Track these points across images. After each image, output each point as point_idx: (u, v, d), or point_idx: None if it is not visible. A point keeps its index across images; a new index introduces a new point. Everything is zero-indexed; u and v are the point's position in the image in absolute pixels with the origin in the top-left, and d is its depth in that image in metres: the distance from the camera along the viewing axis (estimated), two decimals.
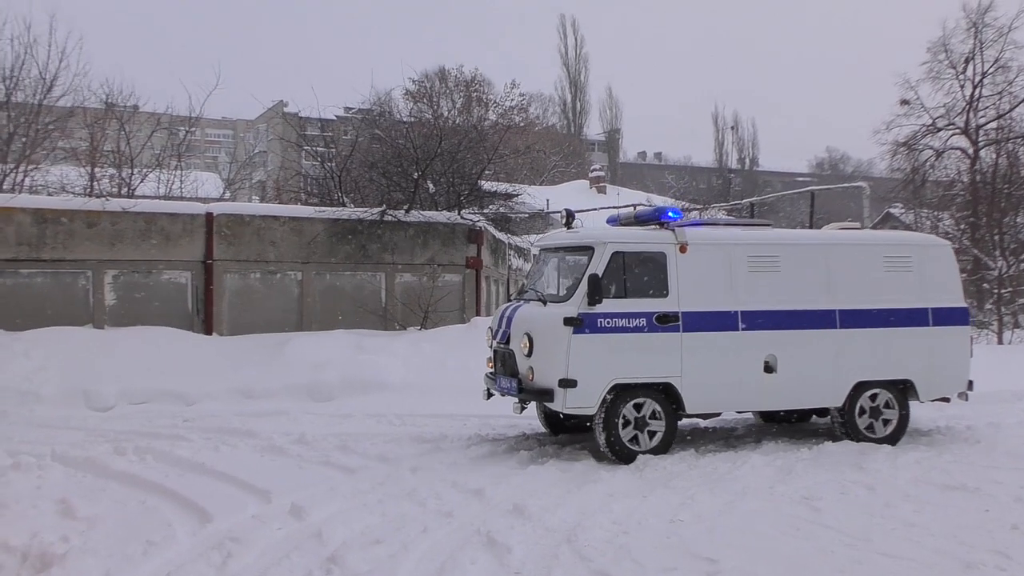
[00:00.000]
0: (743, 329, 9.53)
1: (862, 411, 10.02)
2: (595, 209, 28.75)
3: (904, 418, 10.12)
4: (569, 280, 9.59)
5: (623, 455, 9.02)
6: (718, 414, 10.27)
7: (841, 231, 10.86)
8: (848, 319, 9.91)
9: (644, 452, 9.10)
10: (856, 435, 9.94)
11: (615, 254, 9.27)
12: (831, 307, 9.88)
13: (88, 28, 46.08)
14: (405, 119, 25.65)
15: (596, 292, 8.98)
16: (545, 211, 27.41)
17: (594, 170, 47.37)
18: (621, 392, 9.13)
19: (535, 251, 11.59)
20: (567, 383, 8.91)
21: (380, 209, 16.27)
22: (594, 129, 74.40)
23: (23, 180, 19.86)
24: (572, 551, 6.17)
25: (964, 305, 10.51)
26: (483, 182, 19.60)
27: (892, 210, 39.31)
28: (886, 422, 10.07)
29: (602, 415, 9.09)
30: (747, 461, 8.98)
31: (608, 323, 9.06)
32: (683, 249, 9.43)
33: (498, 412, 11.14)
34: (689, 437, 10.32)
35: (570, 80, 70.85)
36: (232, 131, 65.13)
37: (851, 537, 6.50)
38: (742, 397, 9.67)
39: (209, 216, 15.14)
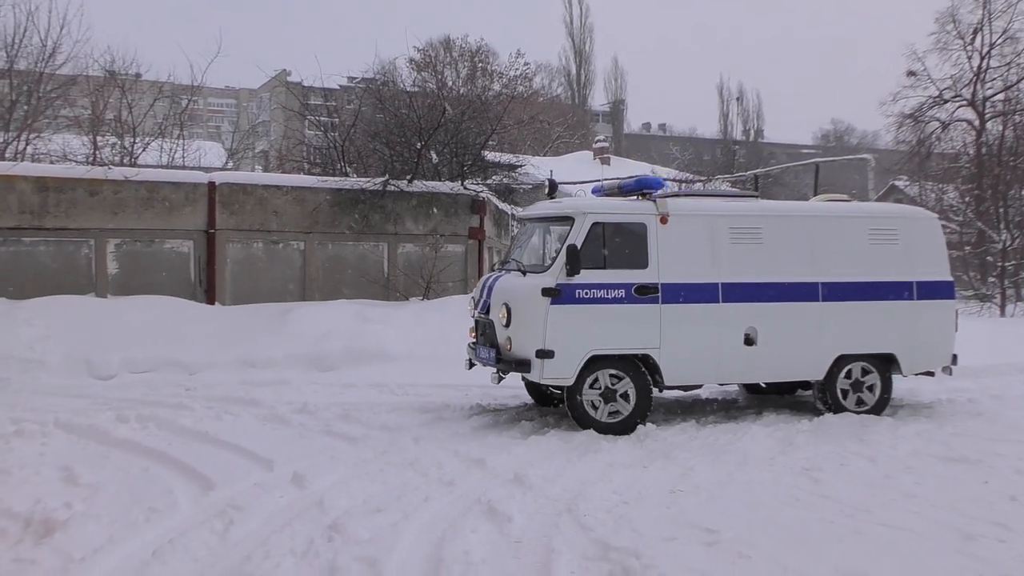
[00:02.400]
0: (724, 301, 9.50)
1: (844, 384, 9.98)
2: (598, 180, 28.65)
3: (886, 392, 10.09)
4: (550, 250, 9.59)
5: (590, 426, 9.02)
6: (699, 386, 10.24)
7: (827, 203, 10.74)
8: (831, 292, 9.85)
9: (614, 424, 9.06)
10: (837, 408, 9.92)
11: (595, 224, 9.25)
12: (814, 279, 9.82)
13: None
14: (409, 89, 25.50)
15: (574, 263, 8.97)
16: (548, 181, 27.28)
17: (598, 141, 47.04)
18: (597, 362, 9.11)
19: (518, 221, 11.54)
20: (544, 353, 8.92)
21: (383, 179, 16.22)
22: (599, 100, 73.96)
23: (25, 148, 19.78)
24: (572, 520, 6.20)
25: (950, 279, 10.45)
26: (487, 153, 19.50)
27: (897, 182, 39.15)
28: (867, 396, 10.03)
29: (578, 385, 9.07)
30: (747, 432, 9.00)
31: (586, 294, 9.06)
32: (664, 220, 9.41)
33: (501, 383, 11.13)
34: (674, 408, 10.32)
35: (575, 50, 70.26)
36: (235, 100, 64.90)
37: (851, 508, 6.52)
38: (722, 369, 9.65)
39: (212, 185, 15.09)
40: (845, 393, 9.99)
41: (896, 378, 10.28)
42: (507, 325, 9.31)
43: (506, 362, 9.28)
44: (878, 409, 10.01)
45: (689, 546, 5.73)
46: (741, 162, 46.15)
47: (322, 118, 23.08)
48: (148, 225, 14.65)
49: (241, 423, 9.16)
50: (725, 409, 10.32)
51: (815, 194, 21.45)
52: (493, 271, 10.52)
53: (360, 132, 19.78)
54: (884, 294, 10.02)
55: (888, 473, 7.50)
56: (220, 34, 40.12)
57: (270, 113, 44.91)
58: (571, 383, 9.08)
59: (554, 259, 9.23)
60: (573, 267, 8.97)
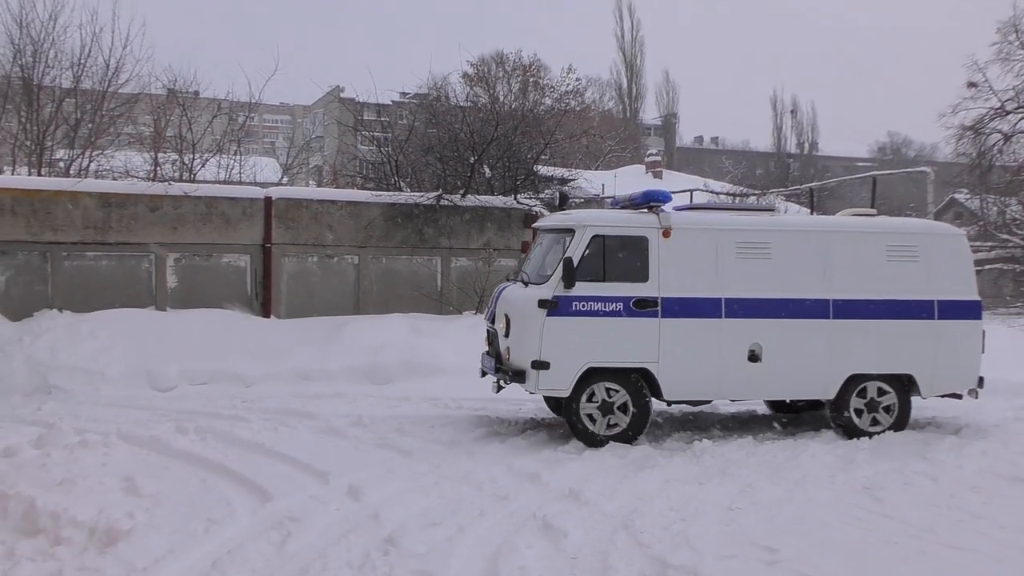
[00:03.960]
0: (727, 316, 9.33)
1: (857, 404, 9.68)
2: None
3: (904, 413, 9.76)
4: (552, 262, 9.57)
5: (587, 438, 9.06)
6: (707, 401, 10.09)
7: (843, 218, 10.51)
8: (843, 309, 9.56)
9: (610, 437, 9.07)
10: (849, 428, 9.62)
11: (595, 237, 9.26)
12: (825, 296, 9.54)
13: (150, 14, 46.84)
14: (462, 103, 25.65)
15: (569, 275, 9.00)
16: (601, 196, 27.27)
17: (650, 155, 46.92)
18: (595, 375, 9.12)
19: (533, 232, 11.52)
20: (540, 364, 8.97)
21: (436, 194, 16.31)
22: (650, 113, 73.72)
23: (89, 165, 20.29)
24: (629, 537, 6.15)
25: (975, 298, 9.92)
26: (539, 167, 19.52)
27: (957, 195, 38.42)
28: (883, 417, 9.71)
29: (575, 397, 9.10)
30: (806, 449, 8.86)
31: (583, 306, 9.07)
32: (666, 234, 9.32)
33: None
34: (731, 425, 10.18)
35: (626, 64, 70.18)
36: (290, 116, 65.84)
37: (915, 528, 6.38)
38: (725, 385, 9.47)
39: (268, 200, 15.30)
40: (860, 413, 9.68)
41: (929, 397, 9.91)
42: (507, 335, 9.42)
43: (504, 372, 9.34)
44: (894, 430, 9.67)
45: (748, 564, 5.65)
46: (795, 175, 45.70)
47: (376, 133, 23.29)
48: (206, 240, 14.89)
49: (297, 435, 9.23)
50: (783, 425, 10.14)
51: (872, 207, 21.15)
52: (507, 281, 10.54)
53: (413, 147, 19.93)
54: (901, 313, 9.67)
55: (953, 493, 7.32)
56: (277, 52, 40.90)
57: (324, 129, 45.49)
58: (567, 395, 9.11)
59: (554, 271, 9.26)
60: (568, 280, 9.01)
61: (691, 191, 30.57)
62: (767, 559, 5.74)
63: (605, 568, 5.59)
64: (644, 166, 44.34)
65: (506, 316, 9.47)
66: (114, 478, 7.23)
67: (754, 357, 9.39)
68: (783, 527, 6.38)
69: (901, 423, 9.75)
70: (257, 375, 12.59)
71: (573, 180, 21.81)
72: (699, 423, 10.39)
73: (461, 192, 16.60)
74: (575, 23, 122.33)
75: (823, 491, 7.40)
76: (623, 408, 9.18)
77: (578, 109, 39.80)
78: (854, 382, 9.65)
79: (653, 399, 9.37)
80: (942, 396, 10.07)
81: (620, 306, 9.13)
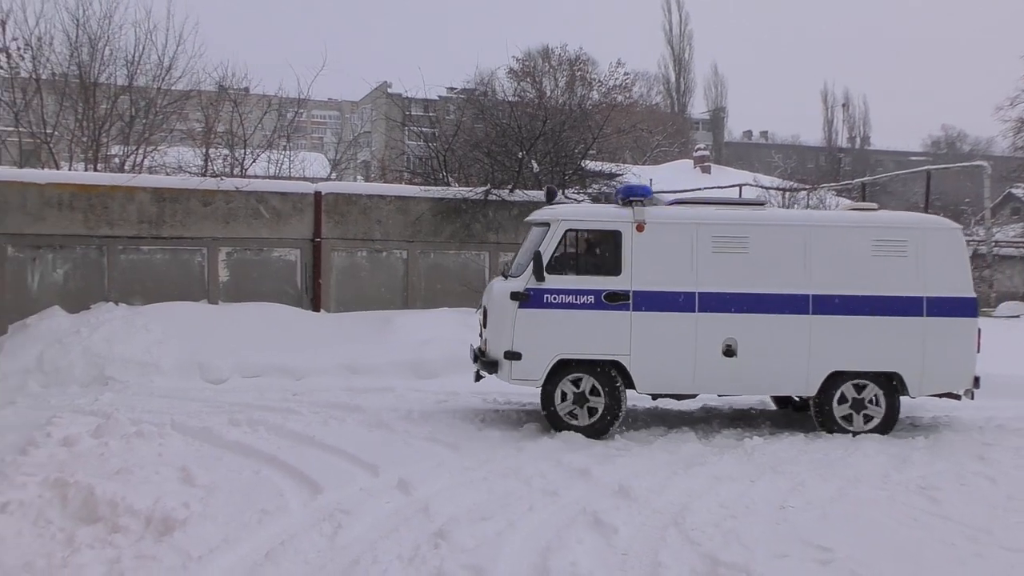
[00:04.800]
0: (700, 310, 9.34)
1: (841, 402, 9.50)
2: (698, 189, 28.24)
3: (891, 412, 9.53)
4: (530, 255, 9.65)
5: (561, 428, 9.29)
6: (691, 396, 9.98)
7: (825, 212, 10.31)
8: (823, 305, 9.39)
9: (584, 427, 9.29)
10: (831, 426, 9.47)
11: (568, 231, 9.53)
12: (804, 291, 9.39)
13: (203, 12, 47.47)
14: (509, 98, 25.65)
15: (539, 269, 9.26)
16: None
17: (698, 149, 46.59)
18: (570, 366, 9.34)
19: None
20: (512, 355, 9.30)
21: (484, 188, 16.33)
22: (698, 108, 73.15)
23: (143, 161, 20.63)
24: (679, 533, 6.11)
25: (971, 295, 9.57)
26: (587, 162, 19.44)
27: (1014, 190, 37.58)
28: (869, 416, 9.53)
29: (547, 387, 9.36)
30: (859, 448, 8.76)
31: (555, 299, 9.31)
32: (640, 228, 9.40)
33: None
34: (781, 422, 10.07)
35: (674, 58, 69.76)
36: (338, 112, 66.33)
37: (972, 529, 6.26)
38: (699, 379, 9.46)
39: (318, 195, 15.44)
40: (844, 412, 9.52)
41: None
42: (485, 326, 9.73)
43: (482, 362, 9.63)
44: (882, 429, 9.49)
45: (802, 564, 5.59)
46: (847, 170, 44.98)
47: (424, 128, 23.37)
48: (257, 234, 15.07)
49: (347, 428, 9.31)
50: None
51: (926, 203, 20.76)
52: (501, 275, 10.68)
53: (461, 142, 19.97)
54: (887, 309, 9.43)
55: (1011, 494, 7.17)
56: (325, 48, 41.22)
57: (371, 124, 45.78)
58: (539, 386, 9.39)
59: (527, 264, 9.49)
60: (538, 273, 9.27)
61: (740, 186, 30.25)
62: (821, 558, 5.67)
63: (655, 565, 5.57)
64: (692, 161, 44.03)
65: (484, 308, 9.82)
66: (169, 468, 7.35)
67: (730, 352, 9.36)
68: (836, 526, 6.30)
69: (888, 423, 9.53)
70: (307, 368, 12.71)
71: (621, 175, 21.70)
72: (749, 420, 10.30)
73: (509, 187, 16.61)
74: (622, 17, 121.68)
75: (877, 490, 7.29)
76: (596, 400, 9.37)
77: (626, 104, 39.59)
78: (837, 380, 9.49)
79: (633, 391, 9.57)
80: (939, 396, 9.80)
81: (591, 299, 9.32)
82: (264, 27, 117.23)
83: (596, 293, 9.32)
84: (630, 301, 9.32)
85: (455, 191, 16.38)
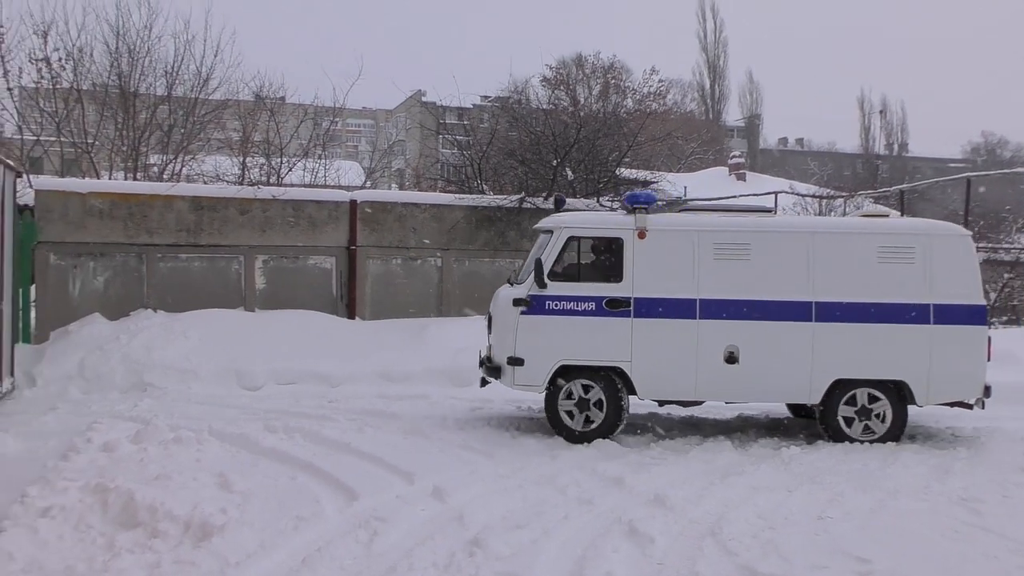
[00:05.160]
0: (701, 317, 9.36)
1: (846, 411, 9.39)
2: (733, 196, 28.08)
3: (898, 421, 9.39)
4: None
5: (563, 434, 9.40)
6: (698, 402, 10.03)
7: (830, 219, 10.19)
8: (826, 312, 9.32)
9: (586, 432, 9.35)
10: (837, 435, 9.37)
11: (570, 238, 9.64)
12: (807, 298, 9.33)
13: (240, 22, 48.15)
14: (543, 106, 25.67)
15: (539, 276, 9.38)
16: (683, 198, 26.97)
17: (733, 157, 46.32)
18: (572, 372, 9.44)
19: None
20: (515, 361, 9.45)
21: (519, 196, 16.34)
22: (733, 115, 72.75)
23: (181, 170, 20.91)
24: (716, 544, 6.06)
25: (980, 303, 9.42)
26: (622, 169, 19.39)
27: None
28: (875, 424, 9.39)
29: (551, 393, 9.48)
30: (898, 459, 8.65)
31: (556, 305, 9.42)
32: (641, 235, 9.45)
33: (640, 402, 11.07)
34: (820, 432, 9.94)
35: (709, 65, 69.43)
36: (372, 121, 66.73)
37: (1016, 542, 6.16)
38: (701, 386, 9.46)
39: (353, 203, 15.54)
40: (850, 421, 9.40)
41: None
42: (490, 332, 9.90)
43: (487, 368, 9.79)
44: (888, 438, 9.35)
45: None
46: (884, 177, 44.55)
47: (458, 136, 23.45)
48: (293, 242, 15.19)
49: (382, 436, 9.33)
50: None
51: (966, 210, 20.46)
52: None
53: (495, 150, 20.01)
54: (892, 316, 9.31)
55: None
56: (361, 57, 41.64)
57: (406, 132, 46.01)
58: (541, 391, 9.52)
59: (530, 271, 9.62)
60: (539, 280, 9.39)
61: (776, 193, 30.02)
62: (860, 570, 5.60)
63: (693, 575, 5.52)
64: (727, 168, 43.80)
65: (489, 314, 9.97)
66: (207, 474, 7.41)
67: (732, 359, 9.35)
68: (876, 538, 6.21)
69: (895, 432, 9.40)
70: (342, 375, 12.78)
71: (656, 183, 21.62)
72: (785, 430, 10.20)
73: (544, 195, 16.60)
74: (656, 25, 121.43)
75: (917, 502, 7.18)
76: (599, 405, 9.42)
77: (660, 111, 39.48)
78: (842, 388, 9.40)
79: (638, 399, 9.67)
80: (950, 406, 9.67)
81: (593, 306, 9.41)
82: (300, 37, 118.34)
83: (597, 300, 9.41)
84: (631, 308, 9.39)
85: (489, 199, 16.41)
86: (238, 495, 6.87)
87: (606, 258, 9.65)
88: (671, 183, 22.92)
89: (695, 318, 9.36)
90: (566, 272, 9.66)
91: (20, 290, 13.23)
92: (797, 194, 29.84)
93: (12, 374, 11.98)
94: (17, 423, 9.72)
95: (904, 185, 27.34)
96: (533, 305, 9.43)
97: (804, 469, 8.20)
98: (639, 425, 10.30)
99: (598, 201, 16.95)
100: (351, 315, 15.32)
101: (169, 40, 22.25)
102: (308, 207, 15.32)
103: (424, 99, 38.17)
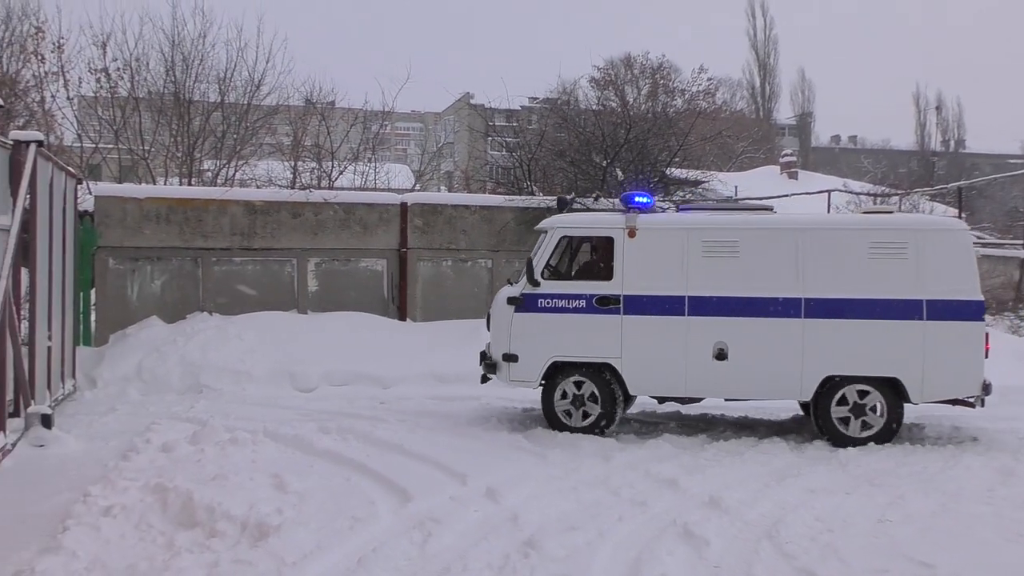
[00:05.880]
0: (690, 314, 9.46)
1: (839, 408, 9.25)
2: (785, 195, 27.73)
3: (893, 418, 9.21)
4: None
5: (559, 428, 9.61)
6: (697, 400, 10.07)
7: (820, 215, 10.05)
8: (816, 308, 9.26)
9: (581, 428, 9.55)
10: (830, 432, 9.24)
11: (563, 238, 9.92)
12: (796, 295, 9.27)
13: (291, 28, 48.67)
14: (592, 107, 25.60)
15: (531, 274, 9.68)
16: (734, 198, 26.72)
17: (785, 155, 45.72)
18: (567, 368, 9.66)
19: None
20: (509, 357, 9.78)
21: (569, 197, 16.29)
22: (784, 113, 71.85)
23: (234, 174, 21.22)
24: (773, 547, 5.99)
25: (977, 298, 9.21)
26: (672, 169, 19.26)
27: None
28: (869, 421, 9.23)
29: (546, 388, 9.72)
30: (960, 461, 8.47)
31: (548, 303, 9.70)
32: (632, 234, 9.60)
33: (716, 404, 11.02)
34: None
35: (759, 63, 68.61)
36: (421, 124, 67.12)
37: None
38: (690, 383, 9.57)
39: (404, 206, 15.62)
40: (845, 419, 9.26)
41: None
42: (488, 329, 10.14)
43: (486, 364, 10.08)
44: (883, 436, 9.18)
45: None
46: (940, 174, 43.72)
47: (508, 138, 23.48)
48: (345, 245, 15.31)
49: (434, 437, 9.36)
50: (936, 436, 9.66)
51: None
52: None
53: (545, 151, 19.98)
54: (884, 312, 9.18)
55: None
56: (410, 61, 41.92)
57: (454, 135, 46.20)
58: (535, 387, 9.84)
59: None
60: (530, 278, 9.69)
61: (828, 191, 29.61)
62: (922, 575, 5.48)
63: None
64: (778, 167, 43.27)
65: (489, 312, 10.20)
66: (263, 475, 7.49)
67: (721, 355, 9.40)
68: (938, 542, 6.09)
69: (890, 429, 9.24)
70: (394, 377, 12.86)
71: (706, 182, 21.43)
72: None
73: (594, 196, 16.53)
74: (704, 24, 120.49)
75: (981, 505, 7.02)
76: (593, 400, 9.61)
77: (709, 110, 39.14)
78: (834, 384, 9.28)
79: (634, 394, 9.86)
80: (951, 404, 9.49)
81: (583, 303, 9.64)
82: (349, 41, 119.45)
83: (588, 297, 9.64)
84: (621, 305, 9.56)
85: (539, 200, 16.37)
86: (294, 496, 6.94)
87: (598, 257, 9.93)
88: (722, 182, 22.69)
89: (683, 315, 9.47)
90: (559, 271, 9.98)
91: (81, 294, 13.51)
92: (851, 192, 29.40)
93: (74, 376, 12.25)
94: (79, 424, 9.93)
95: (962, 182, 26.79)
96: (526, 303, 9.74)
97: (862, 471, 8.07)
98: (692, 426, 10.22)
99: (679, 202, 16.82)
100: (402, 317, 15.39)
101: (222, 48, 22.79)
102: (359, 210, 15.44)
103: (472, 101, 38.27)
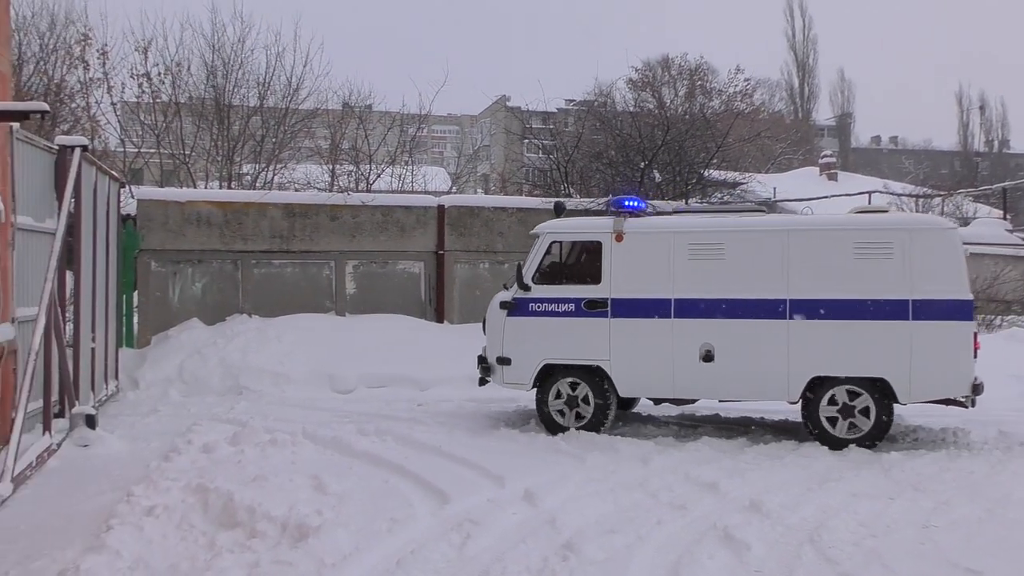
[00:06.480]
0: (676, 316, 9.56)
1: (828, 409, 9.19)
2: (825, 197, 27.45)
3: (882, 420, 9.10)
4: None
5: (552, 429, 9.74)
6: (691, 401, 10.29)
7: (803, 216, 9.95)
8: (801, 309, 9.24)
9: (577, 428, 9.68)
10: (820, 433, 9.18)
11: (553, 243, 10.14)
12: (781, 296, 9.26)
13: (328, 31, 48.99)
14: (629, 109, 25.50)
15: (520, 279, 9.94)
16: (772, 200, 26.47)
17: (824, 156, 45.28)
18: (560, 371, 9.84)
19: None
20: (503, 360, 10.03)
21: (605, 199, 16.24)
22: (823, 114, 71.21)
23: (273, 178, 21.41)
24: (815, 552, 5.90)
25: (966, 297, 9.07)
26: (710, 171, 19.15)
27: None
28: (858, 422, 9.14)
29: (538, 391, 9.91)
30: (1007, 466, 8.30)
31: (539, 307, 9.93)
32: (619, 238, 9.76)
33: (729, 406, 10.91)
34: (922, 436, 9.60)
35: (798, 64, 68.06)
36: (458, 127, 67.33)
37: None
38: (678, 384, 9.66)
39: (441, 208, 15.66)
40: (834, 420, 9.19)
41: None
42: (484, 333, 10.30)
43: (482, 367, 10.29)
44: (872, 436, 9.09)
45: None
46: (984, 175, 43.03)
47: (545, 141, 23.46)
48: (382, 247, 15.39)
49: (472, 439, 9.36)
50: (982, 441, 9.48)
51: None
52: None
53: (581, 153, 19.96)
54: (869, 313, 9.11)
55: None
56: (446, 64, 42.19)
57: (490, 137, 46.27)
58: (528, 389, 10.01)
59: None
60: (520, 283, 9.94)
61: (869, 193, 29.30)
62: None
63: None
64: (817, 168, 42.86)
65: (484, 316, 10.36)
66: (302, 476, 7.52)
67: (708, 357, 9.46)
68: (986, 549, 5.96)
69: (879, 430, 9.13)
70: (431, 379, 12.89)
71: (744, 183, 21.28)
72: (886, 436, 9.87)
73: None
74: (742, 25, 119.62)
75: None
76: (586, 401, 9.77)
77: (747, 111, 38.83)
78: (821, 385, 9.23)
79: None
80: (944, 404, 9.38)
81: (572, 307, 9.84)
82: (386, 44, 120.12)
83: (577, 301, 9.82)
84: (608, 308, 9.71)
85: (576, 202, 16.35)
86: (333, 497, 6.96)
87: (586, 261, 10.07)
88: (761, 184, 22.51)
89: (670, 317, 9.57)
90: (550, 275, 10.14)
91: (124, 297, 13.70)
92: (892, 193, 29.06)
93: (116, 377, 12.43)
94: (122, 425, 10.07)
95: (1007, 183, 26.34)
96: (518, 307, 9.97)
97: (906, 476, 7.94)
98: (732, 429, 10.13)
99: (686, 202, 16.76)
100: (439, 319, 15.43)
101: (261, 52, 22.92)
102: (397, 212, 15.51)
103: (509, 104, 38.32)
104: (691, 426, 10.42)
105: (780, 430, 10.14)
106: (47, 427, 8.76)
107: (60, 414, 9.49)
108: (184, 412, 10.96)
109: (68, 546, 5.88)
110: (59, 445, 8.74)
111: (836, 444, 9.07)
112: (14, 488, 7.08)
